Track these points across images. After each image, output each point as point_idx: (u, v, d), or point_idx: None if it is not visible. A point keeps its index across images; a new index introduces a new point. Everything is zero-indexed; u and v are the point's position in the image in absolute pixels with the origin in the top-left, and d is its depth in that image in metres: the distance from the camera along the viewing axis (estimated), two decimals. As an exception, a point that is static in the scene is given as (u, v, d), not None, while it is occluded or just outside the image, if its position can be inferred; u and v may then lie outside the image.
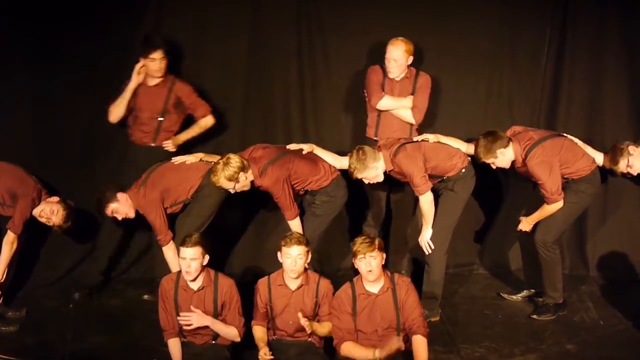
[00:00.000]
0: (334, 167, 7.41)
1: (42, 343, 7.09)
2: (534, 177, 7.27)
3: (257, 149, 7.37)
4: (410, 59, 7.58)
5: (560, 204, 7.29)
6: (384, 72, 7.64)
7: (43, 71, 7.54)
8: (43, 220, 7.32)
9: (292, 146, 7.43)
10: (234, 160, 7.10)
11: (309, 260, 6.55)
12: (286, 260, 6.46)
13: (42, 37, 7.51)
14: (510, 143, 7.26)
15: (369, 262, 6.30)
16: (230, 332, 6.58)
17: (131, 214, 7.36)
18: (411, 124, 7.69)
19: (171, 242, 7.30)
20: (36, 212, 7.29)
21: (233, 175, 7.08)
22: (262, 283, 6.63)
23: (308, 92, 8.04)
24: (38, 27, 7.50)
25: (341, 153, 7.56)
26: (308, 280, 6.59)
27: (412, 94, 7.65)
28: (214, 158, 7.36)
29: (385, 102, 7.62)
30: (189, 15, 7.78)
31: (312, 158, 7.36)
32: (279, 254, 6.51)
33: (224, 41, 7.85)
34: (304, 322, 6.44)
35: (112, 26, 7.62)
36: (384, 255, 6.42)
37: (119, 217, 7.39)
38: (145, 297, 7.64)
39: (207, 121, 7.68)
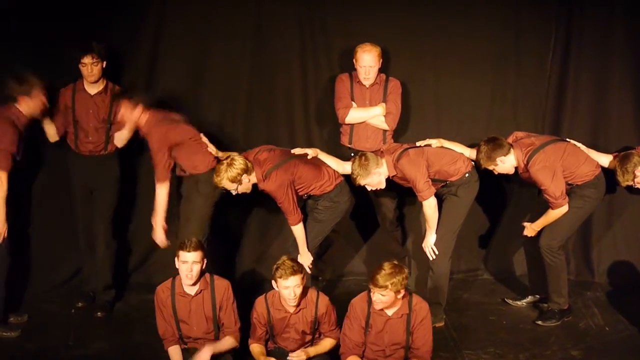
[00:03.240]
0: (337, 172, 7.37)
1: (43, 349, 7.08)
2: (537, 183, 7.24)
3: (262, 151, 7.33)
4: (381, 62, 7.56)
5: (565, 209, 7.25)
6: (352, 80, 7.63)
7: (43, 72, 7.48)
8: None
9: (297, 150, 7.39)
10: (238, 161, 7.07)
11: (305, 283, 6.49)
12: (284, 292, 6.36)
13: (43, 37, 7.47)
14: (512, 150, 7.24)
15: (377, 296, 6.20)
16: (230, 344, 6.56)
17: (129, 127, 7.36)
18: (385, 130, 7.66)
19: (167, 182, 7.18)
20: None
21: (236, 177, 7.05)
22: (259, 303, 6.56)
23: (312, 95, 8.01)
24: (39, 27, 7.46)
25: (344, 157, 7.53)
26: (307, 302, 6.53)
27: (384, 100, 7.62)
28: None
29: (354, 115, 7.60)
30: (192, 17, 7.75)
31: (316, 163, 7.33)
32: (273, 282, 6.41)
33: (227, 44, 7.83)
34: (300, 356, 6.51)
35: (113, 29, 7.60)
36: (402, 291, 6.25)
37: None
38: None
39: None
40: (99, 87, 7.40)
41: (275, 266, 6.37)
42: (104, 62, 7.33)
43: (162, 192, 7.21)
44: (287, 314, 6.50)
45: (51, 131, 7.41)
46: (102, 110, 7.39)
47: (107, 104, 7.39)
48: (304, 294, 6.49)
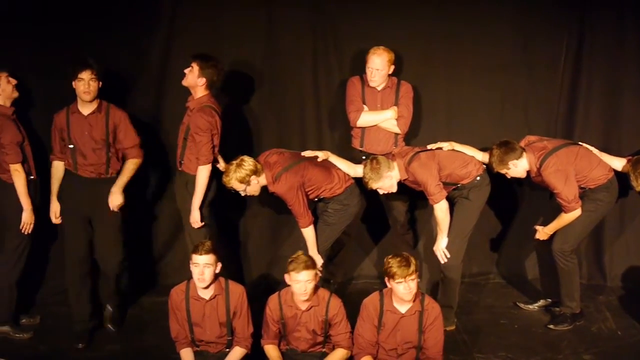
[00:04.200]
0: (348, 175, 7.37)
1: (55, 350, 7.12)
2: (550, 187, 7.22)
3: (272, 154, 7.33)
4: (392, 68, 7.56)
5: (578, 213, 7.24)
6: (363, 83, 7.63)
7: (55, 73, 7.49)
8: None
9: (307, 153, 7.39)
10: (247, 162, 7.08)
11: (317, 282, 6.51)
12: (295, 286, 6.40)
13: (55, 39, 7.48)
14: (524, 154, 7.22)
15: (408, 286, 6.27)
16: (239, 356, 6.57)
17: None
18: (396, 134, 7.66)
19: (209, 165, 7.15)
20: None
21: (245, 177, 7.06)
22: (272, 300, 6.59)
23: (323, 98, 8.01)
24: (51, 28, 7.47)
25: (355, 160, 7.53)
26: (319, 301, 6.54)
27: (395, 103, 7.62)
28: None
29: (365, 119, 7.60)
30: (204, 21, 7.75)
31: (326, 166, 7.33)
32: (286, 276, 6.45)
33: (239, 47, 7.83)
34: None
35: (125, 32, 7.62)
36: (417, 271, 6.38)
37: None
38: None
39: (137, 163, 7.28)
40: (93, 106, 7.07)
41: (289, 259, 6.43)
42: (100, 82, 7.05)
43: (204, 173, 7.13)
44: (298, 310, 6.51)
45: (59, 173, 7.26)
46: (97, 131, 7.09)
47: (103, 123, 7.09)
48: (315, 292, 6.50)
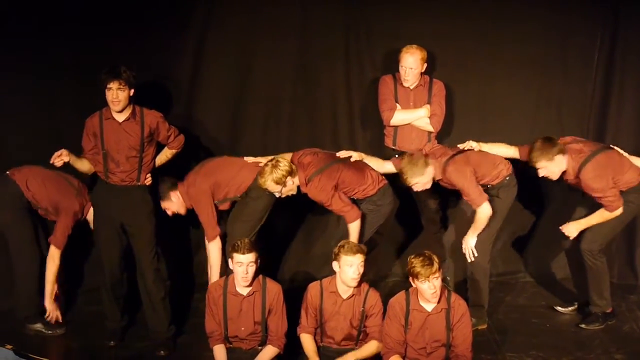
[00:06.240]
0: (381, 176, 7.35)
1: (87, 347, 7.14)
2: (592, 192, 7.16)
3: (306, 154, 7.33)
4: (425, 66, 7.57)
5: (620, 211, 7.20)
6: (396, 81, 7.63)
7: (88, 73, 7.50)
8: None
9: (342, 153, 7.39)
10: (283, 163, 7.08)
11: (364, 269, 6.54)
12: (348, 270, 6.42)
13: (88, 39, 7.52)
14: (565, 154, 7.18)
15: (432, 285, 6.27)
16: (273, 353, 6.58)
17: (182, 212, 7.35)
18: (429, 132, 7.66)
19: (218, 238, 7.25)
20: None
21: (281, 179, 7.06)
22: (313, 287, 6.63)
23: (355, 96, 8.01)
24: (85, 30, 7.50)
25: (387, 159, 7.53)
26: (360, 291, 6.58)
27: (428, 102, 7.62)
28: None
29: (398, 117, 7.60)
30: (238, 17, 7.76)
31: (359, 166, 7.31)
32: (335, 263, 6.47)
33: (272, 44, 7.84)
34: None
35: (159, 28, 7.65)
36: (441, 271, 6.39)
37: (169, 213, 7.37)
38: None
39: (174, 152, 7.33)
40: (127, 113, 6.87)
41: (340, 245, 6.48)
42: (132, 90, 6.81)
43: (215, 250, 7.28)
44: (339, 299, 6.55)
45: (85, 167, 7.06)
46: (134, 138, 6.90)
47: (138, 130, 6.89)
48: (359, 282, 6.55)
